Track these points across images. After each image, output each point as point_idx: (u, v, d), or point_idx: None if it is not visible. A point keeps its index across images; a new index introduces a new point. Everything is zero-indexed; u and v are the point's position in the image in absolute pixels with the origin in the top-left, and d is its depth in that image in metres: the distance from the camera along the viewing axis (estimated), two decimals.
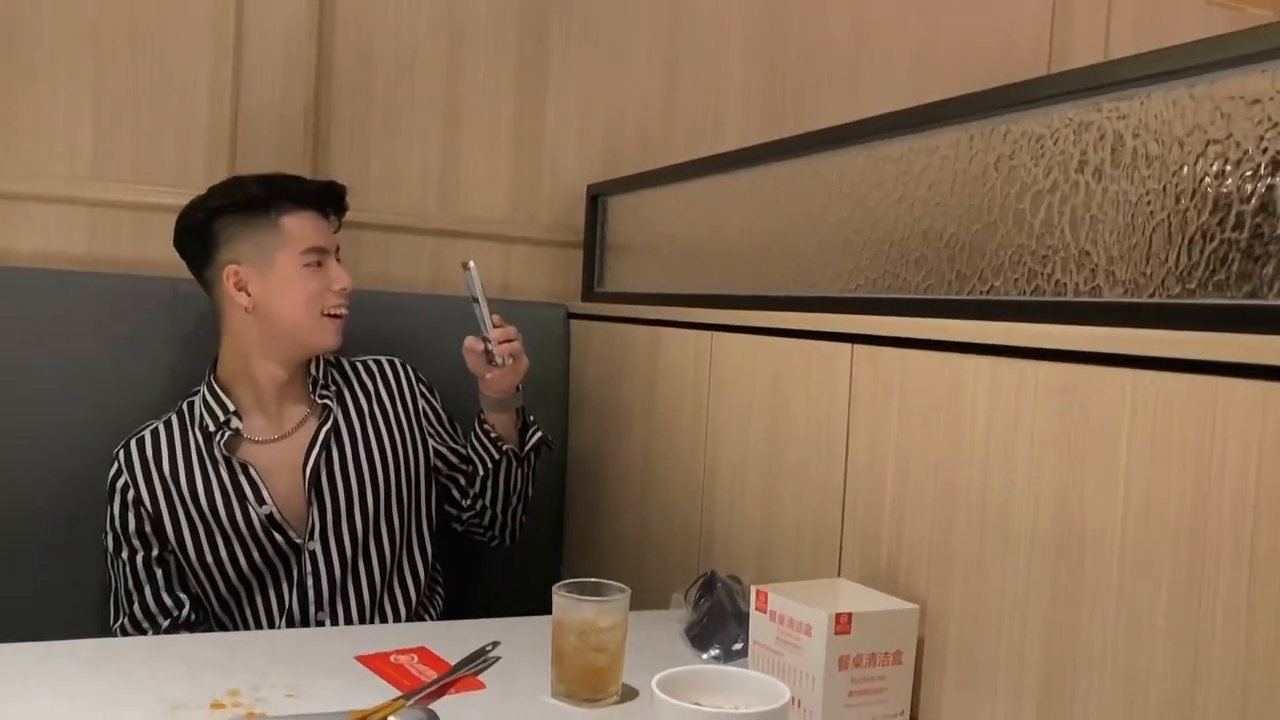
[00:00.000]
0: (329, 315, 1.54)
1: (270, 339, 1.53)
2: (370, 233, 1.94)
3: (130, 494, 1.52)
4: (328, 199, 1.59)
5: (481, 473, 1.63)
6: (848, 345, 1.21)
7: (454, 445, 1.67)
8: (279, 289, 1.51)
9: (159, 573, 1.52)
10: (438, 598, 1.67)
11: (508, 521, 1.69)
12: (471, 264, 1.53)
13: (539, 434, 1.67)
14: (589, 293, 2.04)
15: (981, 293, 1.11)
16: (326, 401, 1.58)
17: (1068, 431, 0.93)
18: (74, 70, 1.76)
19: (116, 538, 1.53)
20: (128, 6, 1.78)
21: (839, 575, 1.21)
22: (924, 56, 2.34)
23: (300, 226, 1.53)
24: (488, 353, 1.53)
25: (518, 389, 1.62)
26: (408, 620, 1.59)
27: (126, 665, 1.12)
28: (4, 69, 1.73)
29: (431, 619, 1.64)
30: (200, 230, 1.54)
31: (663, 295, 1.75)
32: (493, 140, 2.04)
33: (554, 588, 1.12)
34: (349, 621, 1.55)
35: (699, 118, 2.17)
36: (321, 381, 1.59)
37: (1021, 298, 1.05)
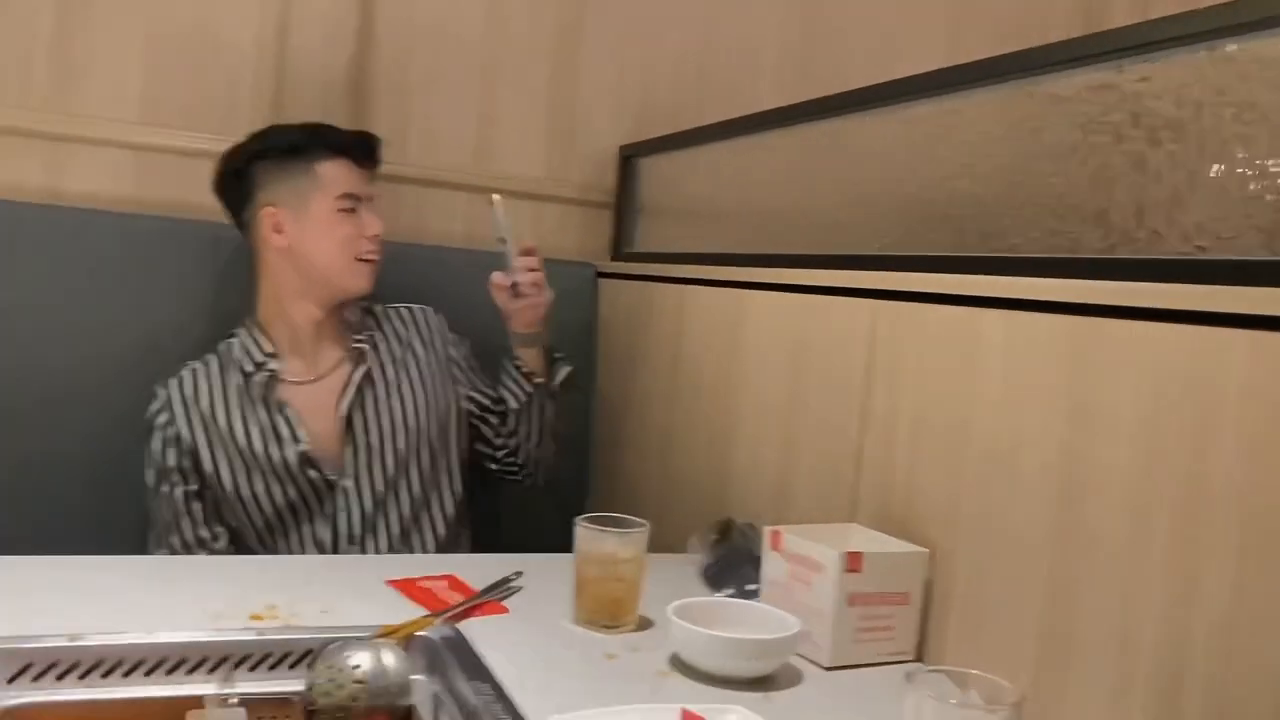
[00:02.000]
0: (361, 260, 1.60)
1: (304, 281, 1.58)
2: (408, 186, 1.98)
3: (171, 429, 1.57)
4: (362, 148, 1.65)
5: (515, 407, 1.68)
6: (870, 301, 1.25)
7: (483, 389, 1.72)
8: (313, 232, 1.57)
9: (197, 507, 1.58)
10: (463, 538, 1.72)
11: (540, 458, 1.74)
12: (496, 198, 1.60)
13: (568, 369, 1.72)
14: (618, 252, 2.08)
15: (1002, 250, 1.14)
16: (361, 346, 1.63)
17: (1076, 382, 0.96)
18: (127, 20, 1.81)
19: (157, 472, 1.59)
20: None
21: (854, 521, 1.25)
22: (959, 22, 2.35)
23: (335, 173, 1.59)
24: (514, 285, 1.60)
25: (545, 325, 1.67)
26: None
27: (170, 579, 1.18)
28: (61, 17, 1.78)
29: None
30: (240, 173, 1.60)
31: (690, 254, 1.78)
32: (529, 100, 2.07)
33: (577, 520, 1.17)
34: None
35: (732, 82, 2.20)
36: (356, 326, 1.64)
37: (1038, 254, 1.09)
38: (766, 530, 1.16)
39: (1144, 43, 0.98)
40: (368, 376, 1.62)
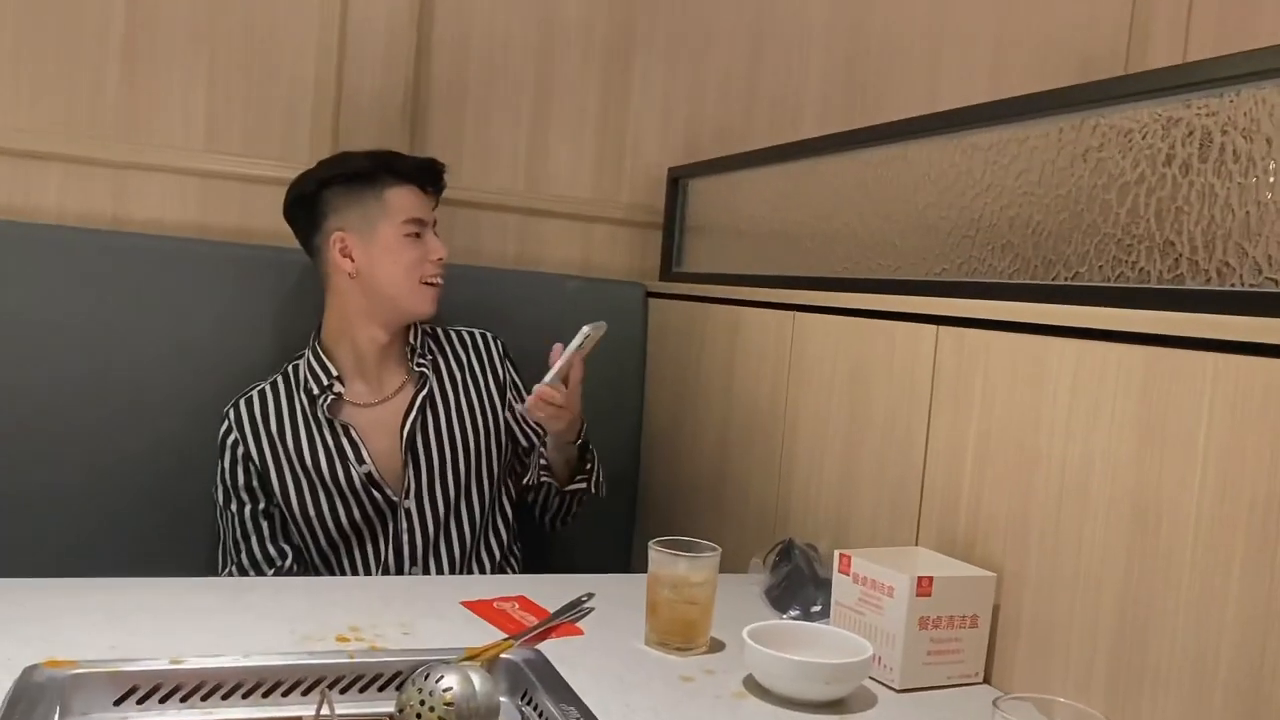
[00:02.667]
0: (426, 283, 1.63)
1: (371, 303, 1.62)
2: (463, 210, 2.02)
3: (240, 450, 1.61)
4: (428, 175, 1.68)
5: (528, 483, 1.71)
6: (932, 326, 1.27)
7: (530, 426, 1.73)
8: (381, 256, 1.60)
9: (265, 525, 1.62)
10: (514, 558, 1.75)
11: (545, 521, 1.77)
12: (585, 329, 1.52)
13: (585, 483, 1.70)
14: (667, 272, 2.11)
15: (1067, 279, 1.16)
16: (423, 369, 1.66)
17: (1149, 410, 0.98)
18: (193, 50, 1.87)
19: (226, 491, 1.63)
20: None
21: (916, 545, 1.28)
22: (1003, 45, 2.37)
23: (402, 199, 1.63)
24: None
25: (578, 440, 1.66)
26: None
27: (255, 601, 1.22)
28: (129, 49, 1.84)
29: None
30: (311, 199, 1.64)
31: (744, 276, 1.81)
32: (579, 123, 2.11)
33: (650, 543, 1.19)
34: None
35: (779, 105, 2.23)
36: (419, 350, 1.68)
37: (1106, 284, 1.11)
38: (836, 554, 1.18)
39: (1210, 79, 1.00)
40: (430, 399, 1.66)
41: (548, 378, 1.53)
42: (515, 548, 1.76)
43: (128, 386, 1.74)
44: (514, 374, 1.76)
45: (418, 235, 1.63)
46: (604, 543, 1.99)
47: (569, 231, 2.12)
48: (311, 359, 1.65)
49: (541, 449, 1.68)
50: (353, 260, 1.61)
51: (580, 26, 2.09)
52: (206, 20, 1.87)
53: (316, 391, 1.62)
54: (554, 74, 2.09)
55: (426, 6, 1.99)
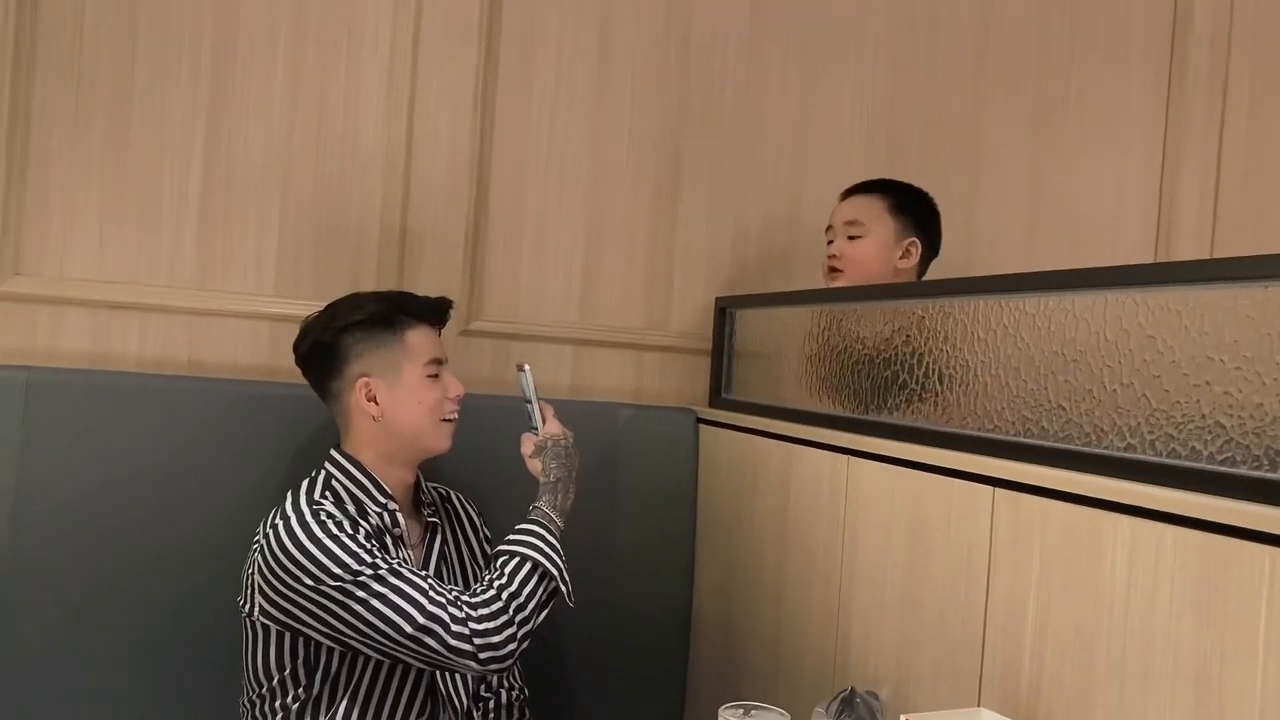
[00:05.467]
0: (445, 420, 1.69)
1: (393, 445, 1.66)
2: (519, 342, 2.10)
3: (348, 522, 1.54)
4: (441, 314, 1.73)
5: None
6: (988, 488, 1.31)
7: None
8: (405, 398, 1.65)
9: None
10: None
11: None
12: (527, 366, 1.74)
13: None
14: (716, 398, 2.16)
15: (1119, 448, 1.20)
16: (434, 520, 1.74)
17: (1206, 597, 1.01)
18: (264, 201, 1.97)
19: (356, 560, 1.51)
20: (313, 143, 2.00)
21: (979, 704, 1.30)
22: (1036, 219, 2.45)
23: (421, 340, 1.68)
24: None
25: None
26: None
27: None
28: (205, 204, 1.95)
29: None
30: (329, 345, 1.66)
31: (795, 411, 1.85)
32: (628, 257, 2.19)
33: (720, 709, 1.23)
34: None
35: (819, 238, 2.30)
36: (427, 500, 1.75)
37: (1158, 459, 1.14)
38: (901, 719, 1.21)
39: (1255, 275, 1.05)
40: (443, 554, 1.73)
41: (540, 423, 1.73)
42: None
43: (204, 527, 1.81)
44: (485, 529, 1.85)
45: (436, 376, 1.68)
46: (658, 684, 2.01)
47: (621, 360, 2.19)
48: (362, 482, 1.63)
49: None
50: (377, 404, 1.64)
51: (630, 160, 2.18)
52: (279, 171, 1.98)
53: (376, 508, 1.62)
54: (605, 210, 2.17)
55: (485, 148, 2.09)
